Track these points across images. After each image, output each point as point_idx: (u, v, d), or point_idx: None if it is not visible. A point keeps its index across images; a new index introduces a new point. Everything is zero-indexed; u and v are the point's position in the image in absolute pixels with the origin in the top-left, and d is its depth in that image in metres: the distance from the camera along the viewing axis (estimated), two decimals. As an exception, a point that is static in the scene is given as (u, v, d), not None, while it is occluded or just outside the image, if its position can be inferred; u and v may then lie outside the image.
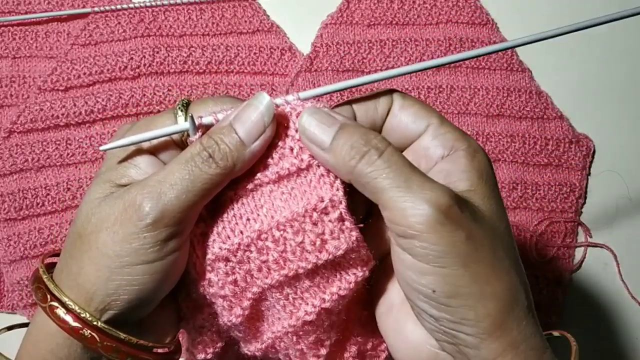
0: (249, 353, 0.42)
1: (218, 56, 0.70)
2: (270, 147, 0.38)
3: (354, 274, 0.38)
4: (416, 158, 0.39)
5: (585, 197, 0.70)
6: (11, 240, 0.67)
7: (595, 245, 0.69)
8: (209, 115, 0.38)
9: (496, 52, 0.41)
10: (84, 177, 0.68)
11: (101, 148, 0.38)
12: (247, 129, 0.36)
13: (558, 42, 0.73)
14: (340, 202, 0.37)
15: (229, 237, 0.38)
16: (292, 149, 0.38)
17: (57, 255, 0.40)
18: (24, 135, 0.68)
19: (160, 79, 0.69)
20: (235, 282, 0.38)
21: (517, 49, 0.71)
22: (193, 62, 0.69)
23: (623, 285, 0.69)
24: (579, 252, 0.70)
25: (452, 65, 0.70)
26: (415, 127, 0.39)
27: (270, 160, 0.38)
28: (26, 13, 0.71)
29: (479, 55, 0.40)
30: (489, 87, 0.70)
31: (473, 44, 0.70)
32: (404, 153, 0.39)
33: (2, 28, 0.71)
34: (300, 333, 0.39)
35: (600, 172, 0.70)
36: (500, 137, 0.69)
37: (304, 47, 0.71)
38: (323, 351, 0.40)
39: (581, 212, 0.70)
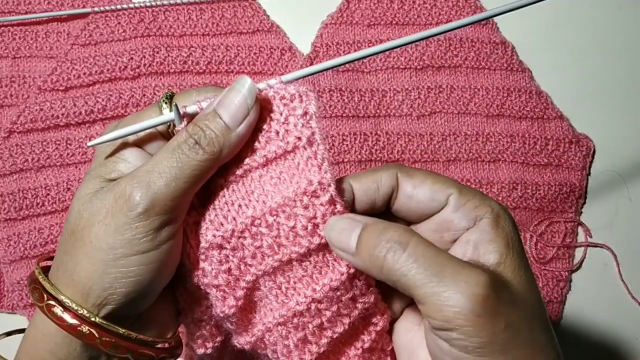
0: (238, 345, 0.41)
1: (218, 56, 0.70)
2: (256, 132, 0.39)
3: (346, 265, 0.38)
4: (438, 229, 0.39)
5: (585, 197, 0.70)
6: (11, 240, 0.67)
7: (595, 245, 0.69)
8: (193, 104, 0.38)
9: (485, 19, 0.40)
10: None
11: (89, 144, 0.38)
12: (231, 113, 0.36)
13: (558, 42, 0.73)
14: (330, 185, 0.37)
15: (222, 224, 0.38)
16: (277, 132, 0.38)
17: (51, 258, 0.40)
18: (24, 135, 0.68)
19: (160, 79, 0.69)
20: (229, 270, 0.38)
21: (518, 48, 0.71)
22: (193, 62, 0.69)
23: (623, 285, 0.69)
24: (579, 252, 0.70)
25: (452, 65, 0.70)
26: (435, 204, 0.38)
27: (257, 144, 0.39)
28: (26, 13, 0.71)
29: (467, 24, 0.39)
30: (489, 87, 0.70)
31: (473, 43, 0.70)
32: (424, 223, 0.39)
33: (2, 28, 0.71)
34: (290, 326, 0.39)
35: (600, 172, 0.70)
36: (500, 137, 0.69)
37: (304, 47, 0.71)
38: (308, 357, 0.39)
39: (581, 212, 0.70)
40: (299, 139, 0.38)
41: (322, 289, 0.38)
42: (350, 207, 0.40)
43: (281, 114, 0.38)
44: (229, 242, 0.38)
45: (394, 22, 0.71)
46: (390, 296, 0.40)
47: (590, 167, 0.70)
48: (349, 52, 0.70)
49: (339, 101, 0.68)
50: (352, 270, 0.38)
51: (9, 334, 0.44)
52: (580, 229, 0.70)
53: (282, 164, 0.38)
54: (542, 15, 0.73)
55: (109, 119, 0.69)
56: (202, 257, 0.38)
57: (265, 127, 0.39)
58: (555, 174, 0.69)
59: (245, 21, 0.71)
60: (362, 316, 0.40)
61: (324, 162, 0.37)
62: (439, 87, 0.70)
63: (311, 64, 0.69)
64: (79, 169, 0.69)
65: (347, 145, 0.68)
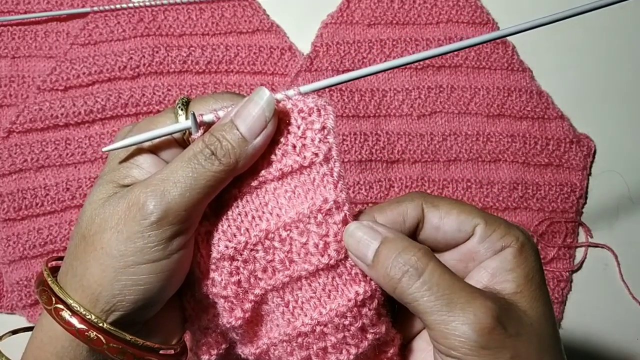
0: (242, 356, 0.41)
1: (218, 56, 0.69)
2: (272, 144, 0.38)
3: (355, 290, 0.37)
4: (463, 259, 0.39)
5: (586, 197, 0.70)
6: (10, 241, 0.67)
7: (596, 246, 0.69)
8: (210, 112, 0.38)
9: (496, 39, 0.40)
10: (83, 177, 0.68)
11: (103, 149, 0.38)
12: (248, 124, 0.36)
13: (559, 41, 0.73)
14: (344, 204, 0.37)
15: (235, 236, 0.38)
16: (294, 146, 0.38)
17: (61, 259, 0.40)
18: (23, 135, 0.68)
19: (160, 79, 0.69)
20: (238, 282, 0.38)
21: (518, 48, 0.70)
22: (193, 61, 0.69)
23: (623, 286, 0.68)
24: (579, 253, 0.69)
25: (453, 65, 0.70)
26: (462, 235, 0.38)
27: (273, 157, 0.38)
28: (25, 13, 0.71)
29: (480, 43, 0.40)
30: (489, 87, 0.69)
31: (473, 43, 0.70)
32: (449, 253, 0.39)
33: (2, 28, 0.71)
34: (294, 345, 0.38)
35: (601, 172, 0.70)
36: (500, 137, 0.69)
37: (304, 46, 0.71)
38: None
39: (582, 212, 0.70)
40: (316, 154, 0.37)
41: (328, 313, 0.37)
42: None
43: (299, 127, 0.38)
44: (241, 254, 0.38)
45: (394, 21, 0.71)
46: (408, 316, 0.40)
47: (591, 167, 0.70)
48: (349, 52, 0.70)
49: (339, 101, 0.68)
50: (360, 297, 0.37)
51: (15, 332, 0.44)
52: (581, 229, 0.70)
53: (298, 178, 0.38)
54: (543, 14, 0.73)
55: (108, 119, 0.68)
56: (213, 267, 0.38)
57: (282, 139, 0.38)
58: (556, 174, 0.69)
59: (245, 21, 0.71)
60: (373, 345, 0.39)
61: (340, 180, 0.37)
62: (440, 87, 0.69)
63: (311, 64, 0.69)
64: (78, 169, 0.68)
65: (347, 145, 0.68)
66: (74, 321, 0.35)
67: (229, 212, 0.38)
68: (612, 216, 0.69)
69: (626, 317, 0.68)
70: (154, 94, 0.68)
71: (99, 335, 0.35)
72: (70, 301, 0.35)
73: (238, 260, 0.38)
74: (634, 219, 0.70)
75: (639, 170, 0.70)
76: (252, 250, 0.38)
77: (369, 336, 0.38)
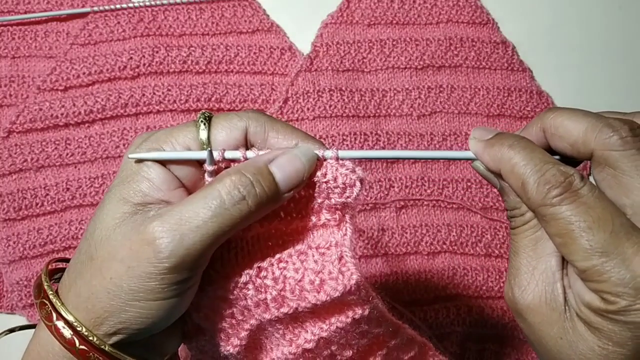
0: None
1: (218, 56, 0.69)
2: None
3: (353, 310, 0.37)
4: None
5: (586, 197, 0.70)
6: (10, 241, 0.67)
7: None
8: (238, 151, 0.36)
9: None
10: (83, 177, 0.68)
11: (130, 156, 0.36)
12: (286, 177, 0.35)
13: (559, 41, 0.73)
14: (342, 244, 0.36)
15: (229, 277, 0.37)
16: (312, 209, 0.37)
17: (62, 260, 0.40)
18: (23, 135, 0.68)
19: (160, 79, 0.69)
20: (232, 315, 0.38)
21: (518, 48, 0.71)
22: (193, 61, 0.69)
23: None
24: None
25: (453, 65, 0.70)
26: None
27: (282, 211, 0.38)
28: (25, 13, 0.71)
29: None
30: (489, 87, 0.69)
31: (473, 43, 0.70)
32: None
33: (2, 28, 0.71)
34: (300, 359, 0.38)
35: (601, 172, 0.70)
36: (500, 137, 0.69)
37: (304, 46, 0.71)
38: None
39: (582, 212, 0.70)
40: (328, 220, 0.37)
41: (329, 328, 0.37)
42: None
43: (319, 195, 0.37)
44: (232, 293, 0.37)
45: (394, 21, 0.71)
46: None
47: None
48: (349, 52, 0.70)
49: (339, 101, 0.68)
50: (357, 315, 0.37)
51: (12, 330, 0.44)
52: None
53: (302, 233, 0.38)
54: (543, 14, 0.73)
55: (108, 119, 0.68)
56: (205, 302, 0.38)
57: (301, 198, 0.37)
58: (555, 174, 0.69)
59: (245, 21, 0.71)
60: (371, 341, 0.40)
61: (344, 222, 0.37)
62: (440, 87, 0.69)
63: (311, 64, 0.69)
64: (78, 169, 0.68)
65: (347, 145, 0.68)
66: (76, 341, 0.34)
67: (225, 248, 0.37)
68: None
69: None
70: (154, 94, 0.68)
71: (99, 357, 0.34)
72: (71, 319, 0.35)
73: (230, 298, 0.37)
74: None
75: (639, 170, 0.70)
76: (242, 289, 0.37)
77: (368, 335, 0.39)
